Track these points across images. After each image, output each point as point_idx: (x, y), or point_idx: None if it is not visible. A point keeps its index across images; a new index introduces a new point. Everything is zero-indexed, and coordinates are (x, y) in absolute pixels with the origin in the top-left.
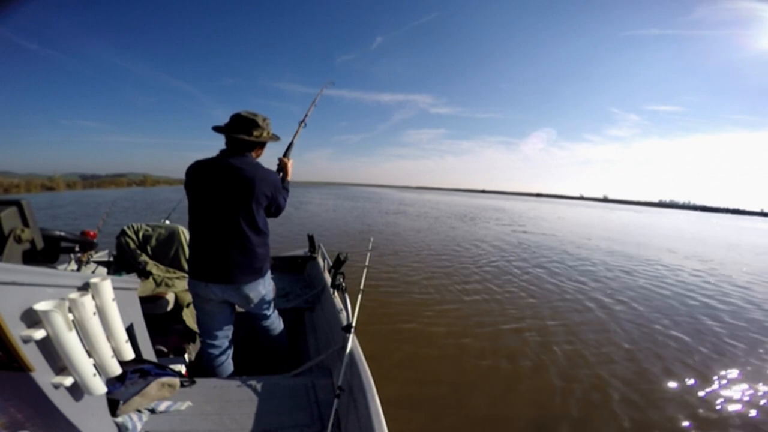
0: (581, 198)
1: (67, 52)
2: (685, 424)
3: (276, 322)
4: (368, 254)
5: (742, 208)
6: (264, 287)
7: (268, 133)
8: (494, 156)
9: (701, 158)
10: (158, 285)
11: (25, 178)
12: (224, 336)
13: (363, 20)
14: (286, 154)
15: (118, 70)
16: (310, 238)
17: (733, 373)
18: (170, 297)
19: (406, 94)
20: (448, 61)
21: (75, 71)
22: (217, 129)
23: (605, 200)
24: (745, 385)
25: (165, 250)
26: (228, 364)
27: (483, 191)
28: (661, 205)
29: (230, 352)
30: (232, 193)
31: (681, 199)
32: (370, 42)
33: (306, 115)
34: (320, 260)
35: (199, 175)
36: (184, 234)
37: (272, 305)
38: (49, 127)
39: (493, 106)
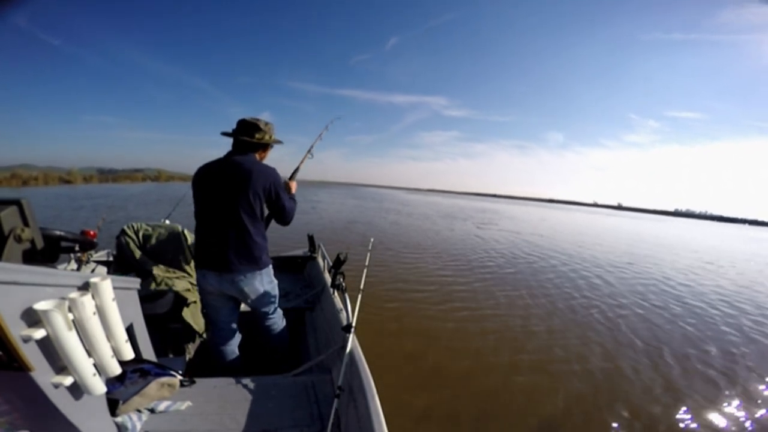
0: (594, 205)
1: (89, 49)
2: None
3: (278, 323)
4: (368, 254)
5: (761, 219)
6: (261, 284)
7: (270, 137)
8: (508, 160)
9: (724, 166)
10: (158, 285)
11: (44, 171)
12: (228, 328)
13: (377, 20)
14: (291, 178)
15: (138, 68)
16: (310, 238)
17: None
18: (170, 297)
19: (419, 96)
20: (463, 63)
21: (97, 68)
22: (225, 133)
23: (619, 207)
24: None
25: (165, 249)
26: (233, 354)
27: (495, 195)
28: (676, 214)
29: (234, 345)
30: (232, 183)
31: (698, 209)
32: (385, 42)
33: (312, 146)
34: (320, 260)
35: (206, 172)
36: (184, 233)
37: (275, 305)
38: (72, 123)
39: (507, 109)
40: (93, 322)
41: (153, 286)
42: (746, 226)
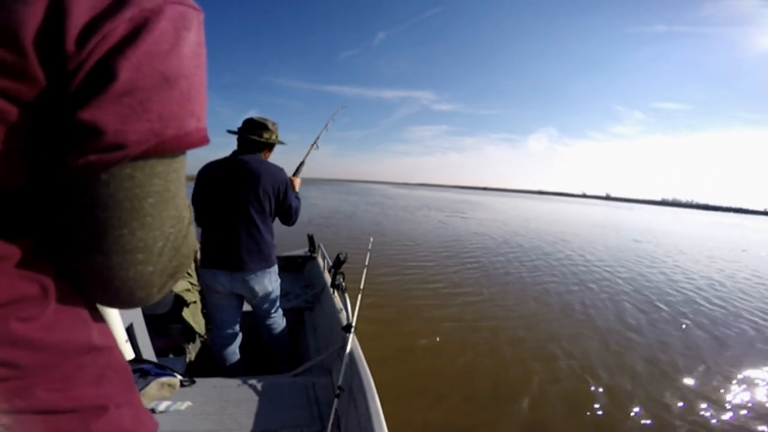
0: (583, 196)
1: None
2: None
3: (279, 322)
4: (368, 254)
5: (745, 207)
6: (270, 282)
7: (276, 137)
8: (497, 153)
9: (708, 156)
10: None
11: None
12: (231, 328)
13: (365, 15)
14: (296, 173)
15: None
16: (310, 238)
17: None
18: (170, 297)
19: (408, 90)
20: (451, 57)
21: None
22: (231, 131)
23: (607, 198)
24: None
25: None
26: (234, 354)
27: (485, 188)
28: (663, 203)
29: (237, 343)
30: (242, 182)
31: (684, 198)
32: (372, 37)
33: (318, 138)
34: (320, 260)
35: (212, 171)
36: None
37: (278, 304)
38: None
39: (496, 102)
40: None
41: None
42: (730, 214)
